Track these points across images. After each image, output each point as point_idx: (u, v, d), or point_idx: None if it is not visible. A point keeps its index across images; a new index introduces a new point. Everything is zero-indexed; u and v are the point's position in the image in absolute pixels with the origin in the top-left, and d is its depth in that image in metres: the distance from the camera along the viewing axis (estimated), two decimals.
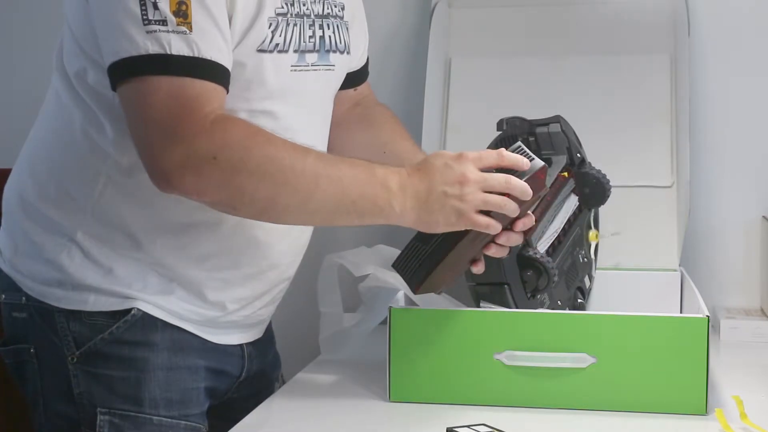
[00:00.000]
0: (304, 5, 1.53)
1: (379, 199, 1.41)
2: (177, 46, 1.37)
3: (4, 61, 2.42)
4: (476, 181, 1.42)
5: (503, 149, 1.45)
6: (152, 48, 1.36)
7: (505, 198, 1.43)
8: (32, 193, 1.56)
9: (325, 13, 1.58)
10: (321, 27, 1.56)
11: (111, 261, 1.52)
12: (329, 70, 1.59)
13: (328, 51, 1.58)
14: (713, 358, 1.51)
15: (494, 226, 1.44)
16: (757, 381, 1.71)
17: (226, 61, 1.41)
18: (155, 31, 1.36)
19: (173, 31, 1.37)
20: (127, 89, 1.39)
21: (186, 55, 1.37)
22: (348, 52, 1.64)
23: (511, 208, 1.44)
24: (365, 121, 1.76)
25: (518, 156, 1.45)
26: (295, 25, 1.51)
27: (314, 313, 1.80)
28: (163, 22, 1.37)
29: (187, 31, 1.37)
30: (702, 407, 1.49)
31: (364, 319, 1.76)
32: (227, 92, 1.42)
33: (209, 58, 1.38)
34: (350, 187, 1.40)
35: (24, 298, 1.55)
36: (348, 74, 1.72)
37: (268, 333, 1.74)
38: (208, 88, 1.39)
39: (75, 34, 1.47)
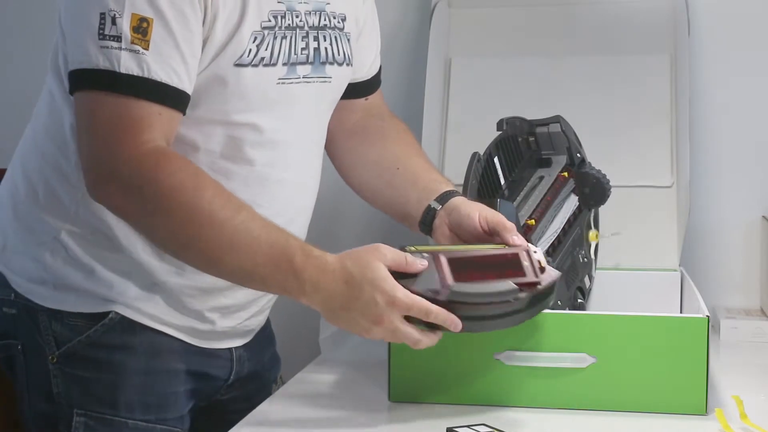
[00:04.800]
0: (297, 17, 1.52)
1: (287, 286, 1.38)
2: (126, 64, 1.37)
3: (1, 61, 2.42)
4: (389, 329, 1.37)
5: (432, 306, 1.35)
6: (102, 63, 1.38)
7: (415, 339, 1.37)
8: (22, 190, 1.56)
9: (321, 24, 1.56)
10: (316, 39, 1.55)
11: (93, 262, 1.52)
12: (325, 82, 1.57)
13: (323, 63, 1.56)
14: (713, 358, 1.51)
15: (410, 341, 1.38)
16: (757, 381, 1.71)
17: (181, 84, 1.40)
18: (108, 47, 1.37)
19: (125, 49, 1.37)
20: (77, 99, 1.41)
21: (134, 74, 1.37)
22: (349, 64, 1.62)
23: (423, 344, 1.38)
24: (378, 134, 1.72)
25: (447, 317, 1.36)
26: (284, 37, 1.50)
27: (314, 313, 1.79)
28: (117, 38, 1.37)
29: (141, 50, 1.38)
30: (702, 407, 1.49)
31: None
32: (182, 114, 1.42)
33: (159, 79, 1.38)
34: (262, 265, 1.37)
35: (13, 295, 1.56)
36: (358, 84, 1.70)
37: (267, 334, 1.73)
38: (152, 111, 1.39)
39: (65, 34, 1.48)
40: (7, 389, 1.60)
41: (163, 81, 1.39)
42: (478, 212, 1.52)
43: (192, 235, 1.38)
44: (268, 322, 1.73)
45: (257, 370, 1.70)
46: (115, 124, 1.38)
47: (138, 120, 1.38)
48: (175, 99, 1.40)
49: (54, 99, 1.53)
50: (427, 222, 1.59)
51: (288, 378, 1.72)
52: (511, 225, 1.49)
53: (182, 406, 1.59)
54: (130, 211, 1.40)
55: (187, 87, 1.42)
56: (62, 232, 1.52)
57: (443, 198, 1.59)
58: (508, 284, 1.40)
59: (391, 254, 1.37)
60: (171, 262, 1.52)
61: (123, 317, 1.52)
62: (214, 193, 1.39)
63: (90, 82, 1.39)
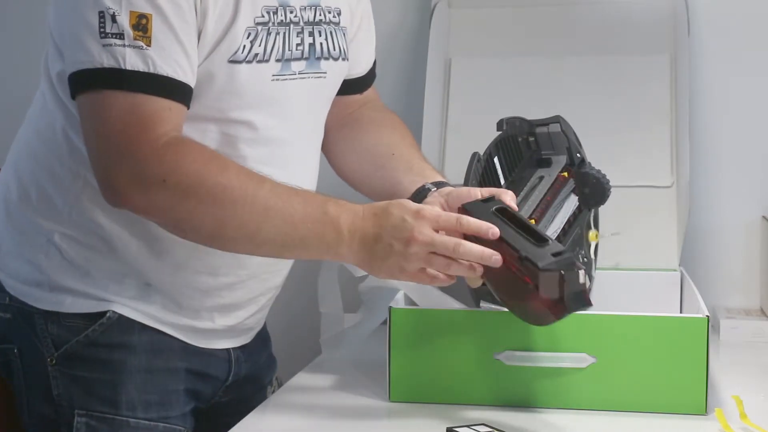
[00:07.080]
0: (291, 13, 1.52)
1: (327, 238, 1.39)
2: (132, 61, 1.36)
3: None
4: (423, 243, 1.37)
5: (463, 216, 1.40)
6: (107, 61, 1.36)
7: (450, 261, 1.38)
8: (15, 193, 1.56)
9: (317, 19, 1.56)
10: (311, 34, 1.55)
11: (88, 263, 1.52)
12: (320, 77, 1.57)
13: (318, 58, 1.56)
14: (713, 358, 1.51)
15: (441, 280, 1.40)
16: (756, 381, 1.71)
17: (185, 77, 1.40)
18: (111, 44, 1.36)
19: (129, 46, 1.36)
20: (83, 101, 1.40)
21: (141, 70, 1.37)
22: (344, 59, 1.62)
23: (460, 270, 1.39)
24: (372, 122, 1.72)
25: (481, 224, 1.39)
26: (278, 33, 1.50)
27: (314, 314, 1.80)
28: (120, 36, 1.36)
29: (144, 46, 1.37)
30: (702, 407, 1.49)
31: (365, 319, 1.76)
32: (187, 108, 1.42)
33: (165, 74, 1.38)
34: (300, 223, 1.38)
35: (8, 298, 1.56)
36: (354, 79, 1.70)
37: (262, 335, 1.73)
38: (163, 106, 1.38)
39: (54, 37, 1.47)
40: (6, 392, 1.60)
41: (169, 75, 1.38)
42: (479, 189, 1.51)
43: (227, 214, 1.38)
44: (264, 323, 1.72)
45: (254, 372, 1.70)
46: (127, 122, 1.37)
47: (150, 115, 1.37)
48: (181, 93, 1.40)
49: (46, 102, 1.53)
50: (417, 200, 1.54)
51: (287, 379, 1.72)
52: (508, 191, 1.50)
53: (183, 405, 1.59)
54: (159, 208, 1.39)
55: (191, 80, 1.41)
56: (56, 234, 1.52)
57: (438, 185, 1.57)
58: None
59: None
60: (166, 262, 1.52)
61: (121, 316, 1.52)
62: (238, 170, 1.40)
63: (94, 82, 1.38)
